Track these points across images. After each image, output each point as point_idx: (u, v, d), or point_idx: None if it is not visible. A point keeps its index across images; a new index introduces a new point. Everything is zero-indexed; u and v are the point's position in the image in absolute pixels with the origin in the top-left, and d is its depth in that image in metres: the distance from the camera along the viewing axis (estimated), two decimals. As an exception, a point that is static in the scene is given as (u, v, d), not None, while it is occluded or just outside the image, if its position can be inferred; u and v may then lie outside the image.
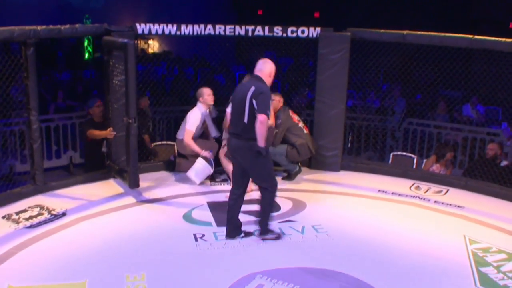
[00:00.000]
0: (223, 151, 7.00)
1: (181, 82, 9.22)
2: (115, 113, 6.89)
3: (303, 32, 7.49)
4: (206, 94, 7.21)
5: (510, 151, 8.27)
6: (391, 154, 8.42)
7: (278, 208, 6.24)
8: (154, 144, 8.16)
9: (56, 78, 13.79)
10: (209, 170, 7.01)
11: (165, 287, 4.60)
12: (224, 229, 5.59)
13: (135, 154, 6.59)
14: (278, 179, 7.38)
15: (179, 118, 7.36)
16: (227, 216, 5.53)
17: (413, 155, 8.26)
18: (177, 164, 7.52)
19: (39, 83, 7.17)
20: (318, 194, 6.85)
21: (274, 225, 5.76)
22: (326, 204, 6.54)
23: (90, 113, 7.48)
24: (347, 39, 7.41)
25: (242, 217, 5.69)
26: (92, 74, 14.70)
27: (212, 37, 7.66)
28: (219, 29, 7.42)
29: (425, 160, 8.24)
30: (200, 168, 6.97)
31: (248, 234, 5.54)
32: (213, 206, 6.33)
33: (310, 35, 7.49)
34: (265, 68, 5.32)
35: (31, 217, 5.82)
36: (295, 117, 7.36)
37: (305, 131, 7.34)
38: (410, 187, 7.21)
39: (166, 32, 7.29)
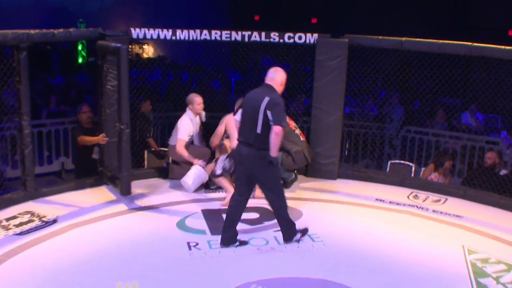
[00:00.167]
0: (210, 167, 6.97)
1: (176, 88, 9.21)
2: (108, 118, 6.87)
3: (300, 38, 7.50)
4: (196, 103, 7.21)
5: (509, 159, 8.28)
6: (389, 162, 8.41)
7: (273, 216, 6.21)
8: (148, 150, 8.13)
9: (49, 83, 13.78)
10: (205, 176, 7.00)
11: (157, 297, 4.58)
12: (218, 237, 5.56)
13: (127, 160, 6.56)
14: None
15: (174, 124, 7.35)
16: (225, 223, 5.52)
17: (411, 164, 8.25)
18: (170, 170, 7.49)
19: (32, 87, 7.15)
20: (315, 202, 6.83)
21: (268, 234, 5.75)
22: (323, 213, 6.52)
23: (79, 119, 7.46)
24: (345, 45, 7.41)
25: (237, 225, 5.67)
26: (86, 78, 14.70)
27: (208, 43, 7.67)
28: (215, 34, 7.41)
29: (423, 169, 8.24)
30: (196, 175, 6.95)
31: (243, 243, 5.52)
32: (208, 214, 6.30)
33: (308, 41, 7.50)
34: (277, 77, 5.39)
35: (21, 224, 5.78)
36: (292, 124, 7.35)
37: (302, 138, 7.32)
38: (408, 196, 7.20)
39: (161, 37, 7.29)
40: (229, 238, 5.49)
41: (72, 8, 19.87)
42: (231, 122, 6.77)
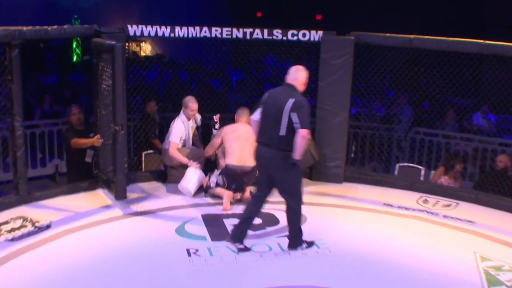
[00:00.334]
0: (205, 180, 6.99)
1: (174, 87, 9.21)
2: (104, 119, 6.86)
3: (304, 35, 7.49)
4: (190, 109, 7.25)
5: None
6: (397, 165, 8.40)
7: (276, 221, 6.22)
8: (145, 152, 8.13)
9: (42, 82, 13.78)
10: (202, 177, 7.01)
11: (155, 306, 4.57)
12: (219, 244, 5.58)
13: (122, 163, 6.56)
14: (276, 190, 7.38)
15: (173, 126, 7.36)
16: (242, 216, 5.60)
17: (420, 167, 8.24)
18: (168, 174, 7.48)
19: (24, 87, 7.15)
20: (320, 207, 6.81)
21: (271, 240, 5.74)
22: (328, 218, 6.50)
23: (70, 121, 7.45)
24: (351, 43, 7.41)
25: None
26: (80, 77, 14.70)
27: (207, 40, 7.66)
28: (216, 31, 7.41)
29: (433, 172, 8.22)
30: (193, 177, 6.95)
31: (246, 249, 5.51)
32: (208, 220, 6.29)
33: (312, 39, 7.49)
34: (299, 77, 5.45)
35: (13, 230, 5.75)
36: None
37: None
38: (417, 201, 7.19)
39: (160, 34, 7.28)
40: (241, 234, 5.56)
41: (66, 4, 19.92)
42: (228, 136, 6.86)
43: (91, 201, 6.75)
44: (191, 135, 7.41)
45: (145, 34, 7.27)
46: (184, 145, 7.36)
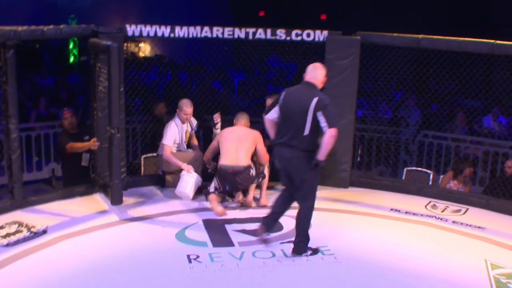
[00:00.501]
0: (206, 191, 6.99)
1: (174, 89, 9.23)
2: (101, 122, 6.87)
3: (308, 35, 7.51)
4: (184, 112, 7.30)
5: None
6: (405, 169, 8.41)
7: (280, 227, 6.23)
8: (145, 156, 8.15)
9: (38, 83, 13.81)
10: (198, 179, 7.05)
11: (155, 314, 4.58)
12: (220, 249, 5.62)
13: (118, 167, 6.57)
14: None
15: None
16: (273, 209, 5.71)
17: (428, 171, 8.24)
18: (166, 181, 7.50)
19: (20, 88, 7.19)
20: (325, 212, 6.81)
21: (275, 246, 5.75)
22: (333, 223, 6.51)
23: (63, 125, 7.47)
24: (357, 43, 7.42)
25: (240, 237, 5.78)
26: (77, 79, 14.73)
27: (209, 40, 7.67)
28: (217, 31, 7.43)
29: (441, 176, 8.23)
30: (189, 180, 6.99)
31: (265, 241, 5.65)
32: (209, 225, 6.31)
33: (317, 39, 7.51)
34: (319, 75, 5.54)
35: (8, 235, 5.77)
36: None
37: None
38: (425, 206, 7.19)
39: (159, 34, 7.30)
40: (273, 224, 5.75)
41: (62, 3, 19.96)
42: (223, 137, 6.90)
43: (88, 205, 6.77)
44: (184, 139, 7.44)
45: (144, 34, 7.29)
46: (179, 149, 7.39)
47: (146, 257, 5.50)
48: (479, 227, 6.50)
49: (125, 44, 7.48)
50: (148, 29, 7.26)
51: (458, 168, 7.89)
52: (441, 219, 6.76)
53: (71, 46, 19.89)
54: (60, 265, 5.26)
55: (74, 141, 7.18)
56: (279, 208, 5.71)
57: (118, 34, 7.06)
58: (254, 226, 6.21)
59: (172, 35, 7.33)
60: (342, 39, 7.53)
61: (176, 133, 7.30)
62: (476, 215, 6.94)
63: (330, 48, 7.48)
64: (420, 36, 7.16)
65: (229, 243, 5.83)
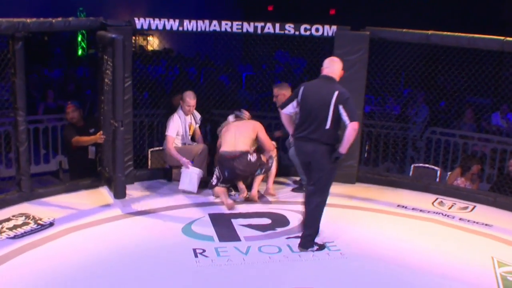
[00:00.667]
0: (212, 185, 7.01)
1: (182, 83, 9.23)
2: (107, 115, 6.87)
3: (317, 30, 7.48)
4: (186, 104, 7.32)
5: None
6: (412, 165, 8.38)
7: (286, 222, 6.23)
8: (152, 149, 8.16)
9: (46, 76, 13.83)
10: (200, 173, 7.08)
11: (160, 307, 4.59)
12: (227, 244, 5.63)
13: (121, 161, 6.57)
14: (287, 189, 7.39)
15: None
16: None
17: (436, 167, 8.22)
18: (173, 174, 7.51)
19: (28, 80, 7.19)
20: (331, 208, 6.76)
21: (281, 241, 5.75)
22: (340, 219, 6.50)
23: (67, 119, 7.48)
24: (366, 38, 7.39)
25: (246, 231, 5.76)
26: (86, 72, 14.75)
27: (217, 34, 7.67)
28: (225, 25, 7.40)
29: (449, 173, 8.19)
30: (190, 175, 7.00)
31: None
32: (215, 219, 6.31)
33: (325, 34, 7.48)
34: (336, 69, 5.61)
35: (15, 227, 5.81)
36: None
37: None
38: (432, 203, 7.17)
39: (168, 27, 7.28)
40: None
41: (71, -5, 19.93)
42: (225, 130, 6.98)
43: (95, 198, 6.79)
44: (188, 131, 7.44)
45: (153, 27, 7.27)
46: (183, 142, 7.39)
47: (153, 250, 5.51)
48: (486, 225, 6.48)
49: (134, 38, 7.46)
50: (157, 22, 7.25)
51: (466, 165, 7.86)
52: (448, 216, 6.74)
53: (79, 39, 19.91)
54: (67, 257, 5.27)
55: (79, 134, 7.19)
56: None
57: (126, 27, 7.06)
58: (261, 220, 6.24)
59: (180, 28, 7.31)
60: (351, 34, 7.50)
61: (179, 124, 7.31)
62: (483, 212, 6.91)
63: (339, 43, 7.43)
64: (430, 32, 7.13)
65: (236, 238, 5.83)
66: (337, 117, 5.37)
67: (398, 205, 6.98)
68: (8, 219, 5.99)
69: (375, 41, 7.45)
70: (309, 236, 5.61)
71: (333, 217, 6.48)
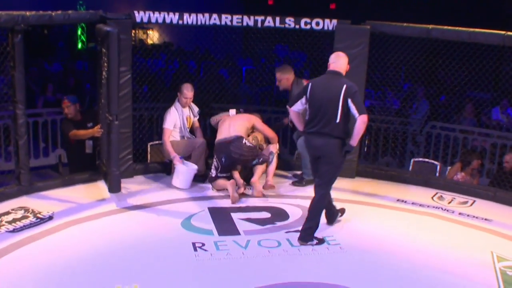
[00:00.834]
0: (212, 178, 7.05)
1: (182, 76, 9.21)
2: (104, 109, 6.84)
3: (317, 24, 7.46)
4: (183, 96, 7.34)
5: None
6: (412, 160, 8.37)
7: (286, 216, 6.23)
8: (151, 143, 8.15)
9: (45, 69, 13.81)
10: (193, 168, 7.10)
11: (159, 301, 4.59)
12: (226, 238, 5.63)
13: (116, 155, 6.56)
14: (287, 183, 7.39)
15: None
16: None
17: (436, 162, 8.21)
18: (173, 168, 7.50)
19: (27, 74, 7.19)
20: (331, 202, 6.82)
21: (280, 235, 5.75)
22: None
23: (64, 114, 7.48)
24: (366, 32, 7.37)
25: (245, 225, 5.78)
26: (85, 65, 14.73)
27: (217, 28, 7.65)
28: (226, 19, 7.38)
29: (449, 168, 8.19)
30: (181, 171, 7.02)
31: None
32: (215, 213, 6.31)
33: (326, 28, 7.45)
34: (342, 63, 5.69)
35: (14, 220, 5.81)
36: None
37: None
38: (432, 197, 7.17)
39: (167, 21, 7.26)
40: (332, 216, 6.03)
41: (71, -11, 19.86)
42: (221, 123, 7.11)
43: (95, 192, 6.79)
44: (186, 124, 7.43)
45: (153, 20, 7.25)
46: (182, 135, 7.39)
47: (152, 244, 5.51)
48: (485, 219, 6.48)
49: (133, 31, 7.44)
50: (157, 16, 7.23)
51: (465, 160, 7.86)
52: (447, 210, 6.74)
53: (79, 32, 19.87)
54: (66, 251, 5.27)
55: (77, 128, 7.19)
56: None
57: (126, 20, 7.04)
58: (260, 214, 6.24)
59: (180, 22, 7.29)
60: (351, 28, 7.48)
61: (176, 117, 7.31)
62: (483, 207, 6.91)
63: (339, 37, 7.41)
64: (430, 26, 7.11)
65: (235, 232, 5.83)
66: (346, 110, 5.48)
67: (398, 200, 6.98)
68: (7, 213, 5.99)
69: (376, 35, 7.43)
70: (309, 229, 5.62)
71: (332, 211, 6.50)
